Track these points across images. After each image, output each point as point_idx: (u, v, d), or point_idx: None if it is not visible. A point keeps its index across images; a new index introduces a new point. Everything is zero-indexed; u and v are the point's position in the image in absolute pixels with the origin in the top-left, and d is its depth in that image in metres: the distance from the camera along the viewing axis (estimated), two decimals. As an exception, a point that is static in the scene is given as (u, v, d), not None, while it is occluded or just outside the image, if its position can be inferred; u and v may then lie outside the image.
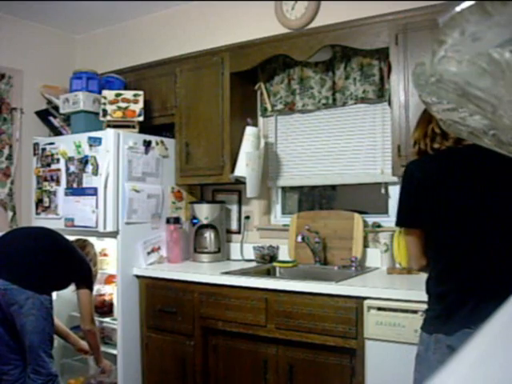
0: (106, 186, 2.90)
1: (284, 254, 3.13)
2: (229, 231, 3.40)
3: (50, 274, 2.51)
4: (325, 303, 2.31)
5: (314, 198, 3.49)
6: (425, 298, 2.05)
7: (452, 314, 1.58)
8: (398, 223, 1.78)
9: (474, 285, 1.58)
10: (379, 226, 2.86)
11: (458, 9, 0.50)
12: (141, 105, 3.17)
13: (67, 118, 3.46)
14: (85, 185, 3.01)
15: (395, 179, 2.78)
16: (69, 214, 3.07)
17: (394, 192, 2.86)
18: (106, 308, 3.18)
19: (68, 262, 2.62)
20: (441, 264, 1.68)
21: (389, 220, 2.87)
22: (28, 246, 2.52)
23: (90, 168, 2.99)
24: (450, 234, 1.64)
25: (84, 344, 2.86)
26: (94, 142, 2.97)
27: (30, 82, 3.57)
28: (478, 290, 1.55)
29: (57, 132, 3.53)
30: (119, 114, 3.13)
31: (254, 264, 3.08)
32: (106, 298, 3.21)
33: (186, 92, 3.22)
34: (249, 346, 2.62)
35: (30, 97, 3.57)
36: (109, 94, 3.15)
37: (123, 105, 3.15)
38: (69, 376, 3.14)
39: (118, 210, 2.92)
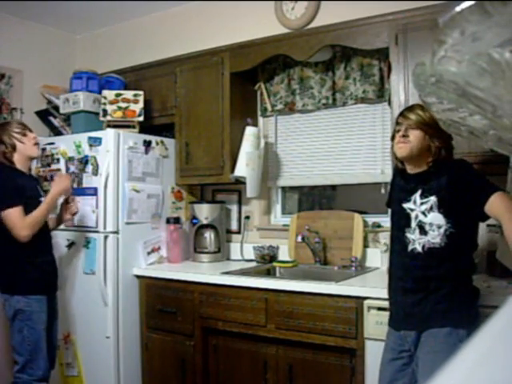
0: (106, 186, 2.90)
1: (284, 254, 3.13)
2: (229, 231, 3.40)
3: None
4: (325, 303, 2.31)
5: (314, 198, 3.49)
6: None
7: None
8: None
9: None
10: (379, 225, 2.86)
11: (458, 9, 0.50)
12: (141, 105, 3.17)
13: (67, 118, 3.46)
14: (85, 185, 3.01)
15: (395, 179, 2.78)
16: (69, 214, 3.06)
17: (394, 192, 2.86)
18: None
19: None
20: None
21: (388, 220, 2.86)
22: None
23: (90, 168, 2.99)
24: None
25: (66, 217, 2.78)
26: (94, 142, 2.97)
27: (30, 82, 3.57)
28: None
29: (57, 132, 3.52)
30: (119, 113, 3.13)
31: (254, 264, 3.08)
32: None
33: (186, 92, 3.22)
34: (249, 346, 2.62)
35: (29, 97, 3.57)
36: (109, 93, 3.15)
37: (123, 105, 3.15)
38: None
39: (118, 209, 2.92)
